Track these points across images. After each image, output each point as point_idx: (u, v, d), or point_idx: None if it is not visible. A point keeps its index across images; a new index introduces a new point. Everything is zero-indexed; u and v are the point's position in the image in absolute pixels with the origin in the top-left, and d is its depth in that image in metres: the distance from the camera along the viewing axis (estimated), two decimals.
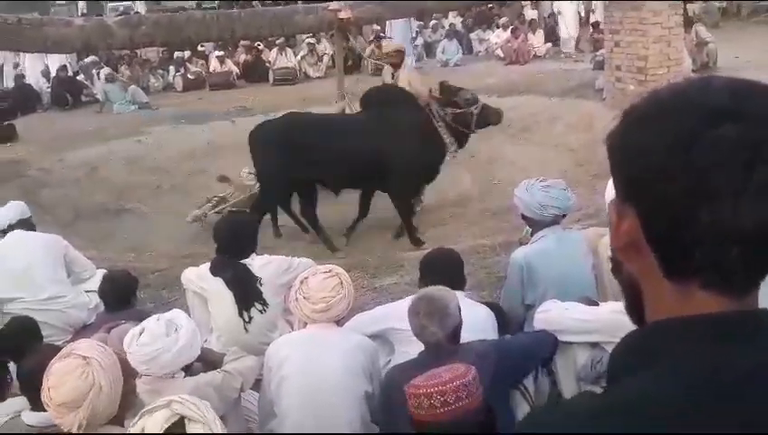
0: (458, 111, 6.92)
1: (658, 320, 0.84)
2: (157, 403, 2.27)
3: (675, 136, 0.77)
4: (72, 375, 2.52)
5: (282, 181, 6.90)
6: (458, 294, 3.18)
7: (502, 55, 16.06)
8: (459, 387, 2.30)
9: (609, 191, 0.88)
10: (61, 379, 2.52)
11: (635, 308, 0.89)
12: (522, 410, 2.93)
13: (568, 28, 15.73)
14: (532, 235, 3.98)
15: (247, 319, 3.84)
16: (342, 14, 8.62)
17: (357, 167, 6.68)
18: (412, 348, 3.03)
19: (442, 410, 2.30)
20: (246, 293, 3.85)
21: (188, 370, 3.11)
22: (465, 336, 2.95)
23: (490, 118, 7.11)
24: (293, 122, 7.12)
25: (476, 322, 3.17)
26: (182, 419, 2.23)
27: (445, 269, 3.50)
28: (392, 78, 8.50)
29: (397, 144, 6.58)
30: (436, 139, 6.87)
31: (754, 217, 0.75)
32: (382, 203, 7.28)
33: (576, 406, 0.88)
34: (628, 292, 0.90)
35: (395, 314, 3.39)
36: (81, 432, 2.49)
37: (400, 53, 8.76)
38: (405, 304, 3.37)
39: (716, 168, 0.75)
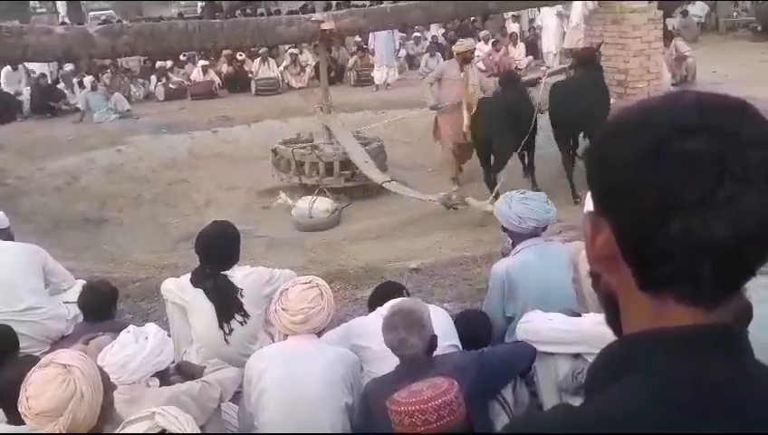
0: None
1: (632, 333, 0.85)
2: (140, 414, 2.26)
3: (644, 150, 0.79)
4: (53, 384, 2.49)
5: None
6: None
7: (483, 68, 16.14)
8: (441, 405, 2.30)
9: (589, 202, 0.90)
10: (40, 388, 2.49)
11: (614, 320, 0.90)
12: (501, 421, 2.94)
13: (550, 42, 15.77)
14: (512, 247, 3.99)
15: (228, 331, 3.79)
16: (325, 26, 8.62)
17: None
18: (380, 368, 3.03)
19: (423, 428, 2.30)
20: (227, 304, 3.80)
21: (164, 380, 3.09)
22: None
23: None
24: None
25: (437, 325, 3.19)
26: (163, 431, 2.21)
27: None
28: (461, 73, 9.07)
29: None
30: None
31: (724, 228, 0.76)
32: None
33: (551, 419, 0.89)
34: (606, 304, 0.91)
35: (361, 332, 3.40)
36: None
37: (472, 51, 9.73)
38: (368, 321, 3.38)
39: (685, 181, 0.76)
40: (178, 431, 2.22)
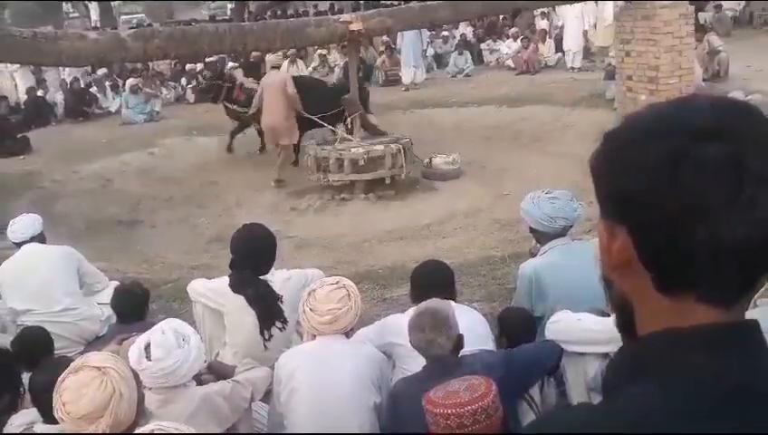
0: None
1: (653, 332, 0.86)
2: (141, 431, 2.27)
3: (663, 155, 0.79)
4: (90, 387, 2.52)
5: None
6: (451, 303, 3.21)
7: (512, 66, 16.09)
8: (478, 410, 2.30)
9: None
10: (78, 392, 2.51)
11: (627, 325, 0.90)
12: (528, 420, 2.93)
13: (570, 41, 15.54)
14: (539, 247, 3.98)
15: (267, 337, 3.79)
16: (354, 26, 8.66)
17: None
18: (412, 365, 3.04)
19: (458, 430, 2.30)
20: (269, 312, 3.79)
21: (198, 380, 3.13)
22: (466, 341, 2.97)
23: None
24: None
25: (471, 328, 3.19)
26: None
27: (436, 281, 3.50)
28: None
29: None
30: None
31: (748, 230, 0.77)
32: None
33: (570, 418, 0.90)
34: (620, 310, 0.92)
35: (392, 328, 3.40)
36: None
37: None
38: (402, 318, 3.38)
39: (707, 186, 0.77)
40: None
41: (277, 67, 11.18)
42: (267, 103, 10.08)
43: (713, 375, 0.79)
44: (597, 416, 0.84)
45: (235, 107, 11.23)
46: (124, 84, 16.04)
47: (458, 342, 2.88)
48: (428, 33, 17.49)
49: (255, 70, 13.52)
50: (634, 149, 0.83)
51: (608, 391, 0.89)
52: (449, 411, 2.30)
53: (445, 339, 2.83)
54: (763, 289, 3.37)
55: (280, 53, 11.76)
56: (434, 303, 2.96)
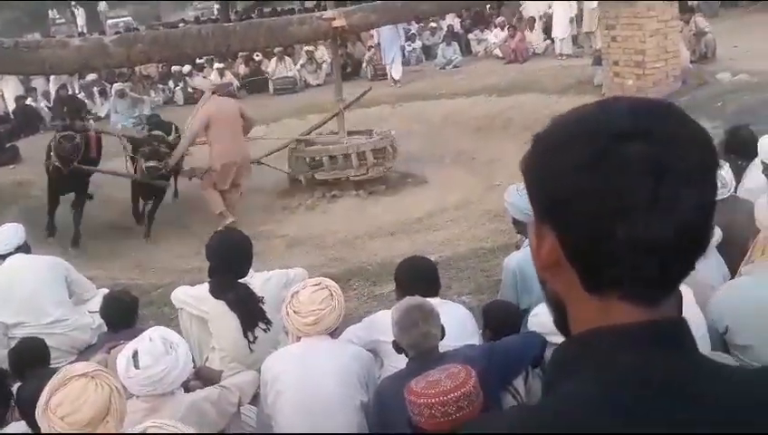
0: None
1: (580, 332, 0.87)
2: (133, 430, 2.28)
3: (584, 158, 0.81)
4: (87, 392, 2.51)
5: None
6: (435, 299, 3.28)
7: (500, 55, 16.07)
8: (460, 397, 2.30)
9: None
10: (75, 402, 2.50)
11: (562, 323, 0.92)
12: None
13: (558, 28, 15.53)
14: (524, 239, 3.98)
15: (252, 339, 3.81)
16: (337, 23, 8.64)
17: None
18: (400, 363, 3.05)
19: (442, 419, 2.30)
20: (250, 314, 3.82)
21: (186, 386, 3.13)
22: (451, 336, 3.02)
23: None
24: None
25: (457, 323, 3.21)
26: None
27: (420, 277, 3.52)
28: None
29: None
30: None
31: (668, 229, 0.78)
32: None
33: (506, 418, 0.92)
34: (554, 308, 0.93)
35: (380, 326, 3.41)
36: None
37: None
38: (389, 315, 3.39)
39: (626, 185, 0.78)
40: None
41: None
42: (222, 137, 8.36)
43: (636, 373, 0.80)
44: (531, 416, 0.86)
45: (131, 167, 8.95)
46: (112, 89, 16.03)
47: (443, 330, 2.93)
48: (416, 25, 17.46)
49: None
50: (557, 152, 0.84)
51: (545, 390, 0.92)
52: (433, 401, 2.30)
53: (436, 329, 2.88)
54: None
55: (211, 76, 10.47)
56: (416, 299, 2.98)
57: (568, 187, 0.81)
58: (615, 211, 0.78)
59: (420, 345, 2.89)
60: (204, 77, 16.21)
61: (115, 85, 14.90)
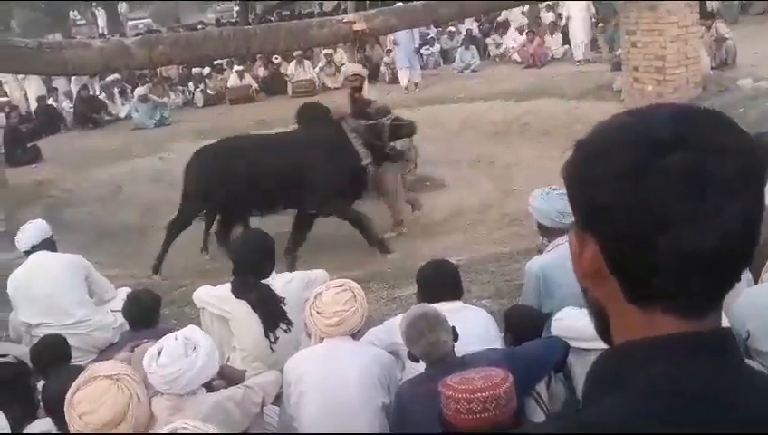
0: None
1: (622, 343, 0.87)
2: (162, 431, 2.30)
3: (625, 167, 0.80)
4: (108, 394, 2.56)
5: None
6: (458, 303, 3.28)
7: (519, 59, 16.04)
8: (488, 398, 2.30)
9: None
10: (96, 402, 2.55)
11: (604, 332, 0.91)
12: (537, 416, 2.95)
13: (577, 32, 15.44)
14: (547, 243, 3.97)
15: (273, 339, 3.84)
16: (357, 26, 8.67)
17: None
18: (420, 365, 3.06)
19: (466, 416, 2.31)
20: (272, 314, 3.86)
21: (209, 386, 3.15)
22: (473, 341, 3.01)
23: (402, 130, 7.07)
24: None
25: (478, 327, 3.22)
26: None
27: (442, 281, 3.52)
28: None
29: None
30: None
31: (711, 240, 0.77)
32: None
33: (543, 431, 0.93)
34: (595, 316, 0.93)
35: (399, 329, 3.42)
36: None
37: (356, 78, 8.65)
38: None
39: (668, 196, 0.78)
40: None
41: None
42: None
43: (673, 386, 0.80)
44: (570, 429, 0.85)
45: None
46: (133, 90, 16.14)
47: (455, 333, 2.93)
48: (435, 29, 17.44)
49: None
50: (598, 161, 0.84)
51: (585, 403, 0.90)
52: (459, 396, 2.31)
53: (446, 335, 2.87)
54: None
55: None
56: (420, 308, 3.01)
57: (608, 196, 0.81)
58: (656, 222, 0.78)
59: (431, 354, 2.90)
60: (221, 78, 16.30)
61: (137, 90, 15.00)
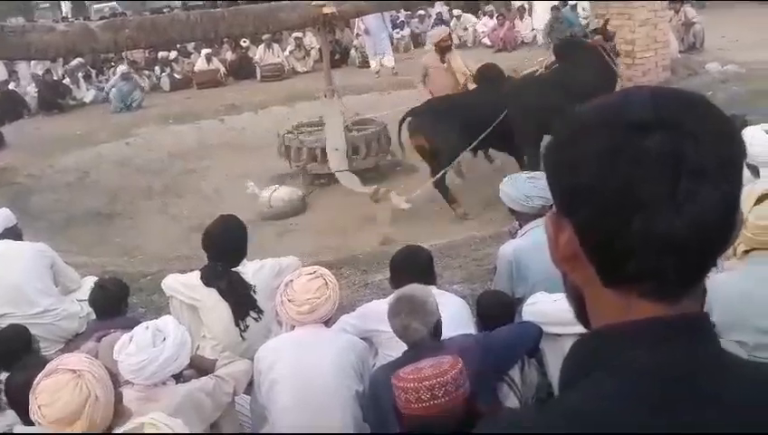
0: None
1: (599, 328, 0.86)
2: (130, 426, 2.25)
3: (601, 149, 0.79)
4: (66, 390, 2.51)
5: None
6: (432, 288, 3.21)
7: (489, 43, 16.04)
8: (435, 385, 2.31)
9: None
10: (53, 395, 2.50)
11: (582, 316, 0.90)
12: (510, 401, 2.96)
13: (540, 17, 15.49)
14: (520, 228, 3.97)
15: (243, 328, 3.81)
16: (327, 10, 8.56)
17: None
18: (394, 351, 3.04)
19: (416, 405, 2.32)
20: (242, 302, 3.83)
21: (180, 377, 3.11)
22: (447, 326, 2.98)
23: None
24: None
25: (452, 313, 3.19)
26: None
27: (414, 266, 3.49)
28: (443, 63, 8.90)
29: None
30: None
31: (685, 225, 0.76)
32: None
33: (522, 417, 0.91)
34: (573, 301, 0.92)
35: (374, 315, 3.39)
36: None
37: (446, 39, 9.14)
38: (383, 305, 3.38)
39: (643, 179, 0.76)
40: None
41: None
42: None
43: (654, 369, 0.79)
44: (548, 414, 0.85)
45: None
46: (97, 75, 15.85)
47: (436, 327, 2.89)
48: (405, 13, 17.35)
49: None
50: (575, 143, 0.82)
51: (562, 388, 0.90)
52: (409, 386, 2.32)
53: (420, 324, 2.83)
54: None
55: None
56: (411, 289, 2.97)
57: (584, 178, 0.80)
58: (631, 205, 0.77)
59: (401, 336, 2.89)
60: (188, 62, 16.09)
61: (120, 67, 14.80)
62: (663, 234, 0.76)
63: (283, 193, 8.42)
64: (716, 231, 0.79)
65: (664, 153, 0.76)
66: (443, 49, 8.88)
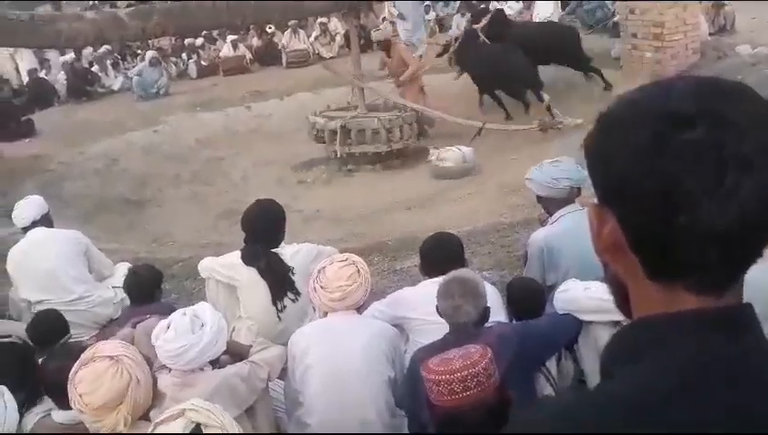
0: None
1: (641, 318, 0.86)
2: (171, 412, 2.28)
3: (644, 142, 0.79)
4: (106, 376, 2.56)
5: None
6: None
7: None
8: (467, 377, 2.30)
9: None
10: (93, 383, 2.55)
11: (624, 306, 0.91)
12: (546, 392, 2.95)
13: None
14: (549, 215, 3.96)
15: (280, 308, 3.86)
16: None
17: None
18: (425, 337, 3.05)
19: (449, 397, 2.32)
20: (280, 282, 3.88)
21: (216, 362, 3.15)
22: None
23: None
24: None
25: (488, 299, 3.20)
26: (198, 425, 2.24)
27: (446, 254, 3.51)
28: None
29: None
30: None
31: (729, 217, 0.76)
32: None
33: (567, 403, 0.91)
34: (615, 291, 0.92)
35: (406, 302, 3.41)
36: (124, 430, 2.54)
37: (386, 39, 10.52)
38: (414, 292, 3.39)
39: (687, 172, 0.76)
40: (212, 422, 2.24)
41: None
42: None
43: (696, 360, 0.80)
44: (592, 401, 0.85)
45: None
46: (124, 61, 15.93)
47: (484, 313, 2.91)
48: None
49: None
50: (618, 134, 0.82)
51: (604, 374, 0.90)
52: (440, 378, 2.32)
53: (471, 307, 2.85)
54: None
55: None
56: (463, 272, 3.00)
57: (628, 171, 0.80)
58: (675, 198, 0.77)
59: (450, 317, 2.90)
60: (215, 49, 16.11)
61: (148, 52, 14.81)
62: (708, 227, 0.76)
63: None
64: (760, 222, 0.78)
65: (708, 144, 0.76)
66: (385, 47, 10.30)
